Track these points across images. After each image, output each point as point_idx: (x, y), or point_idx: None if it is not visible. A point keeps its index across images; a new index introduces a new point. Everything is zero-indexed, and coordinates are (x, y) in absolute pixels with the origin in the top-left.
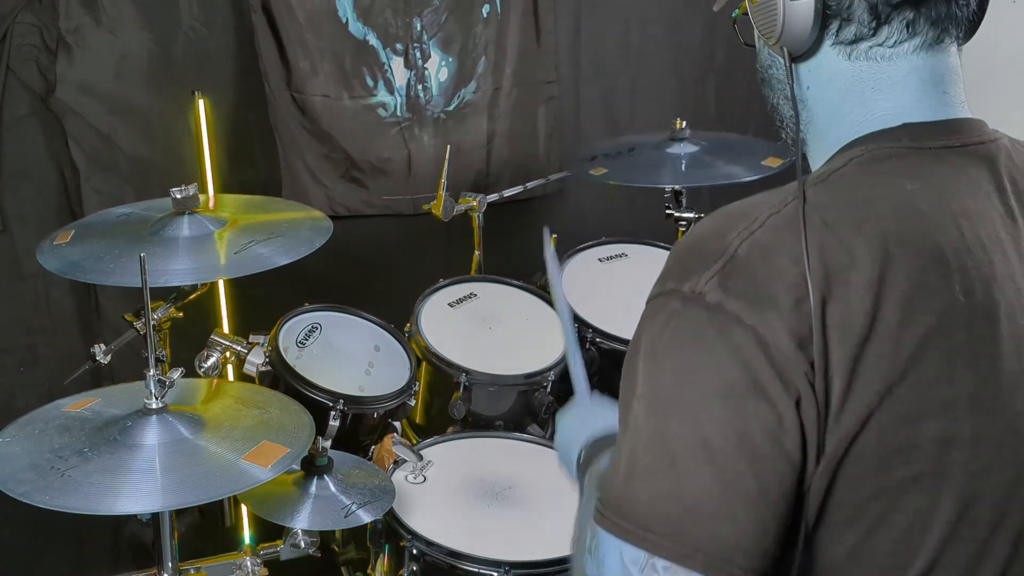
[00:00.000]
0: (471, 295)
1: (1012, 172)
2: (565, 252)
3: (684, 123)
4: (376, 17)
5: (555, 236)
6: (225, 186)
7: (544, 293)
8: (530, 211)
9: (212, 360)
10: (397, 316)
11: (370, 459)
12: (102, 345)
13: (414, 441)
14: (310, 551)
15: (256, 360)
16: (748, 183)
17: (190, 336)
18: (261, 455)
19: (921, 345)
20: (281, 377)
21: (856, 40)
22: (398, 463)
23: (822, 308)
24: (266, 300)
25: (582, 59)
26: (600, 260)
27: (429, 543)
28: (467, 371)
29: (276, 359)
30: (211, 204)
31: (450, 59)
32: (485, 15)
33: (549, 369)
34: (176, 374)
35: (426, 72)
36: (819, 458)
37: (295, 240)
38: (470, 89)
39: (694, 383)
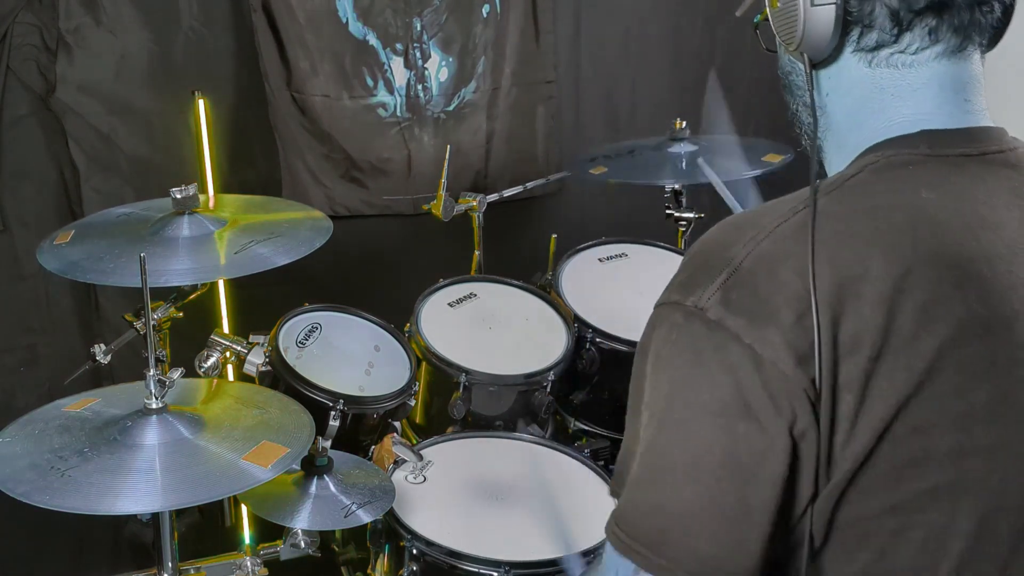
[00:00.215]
0: (471, 295)
1: None
2: (565, 252)
3: (684, 123)
4: (376, 17)
5: (555, 236)
6: (225, 186)
7: (544, 293)
8: (530, 211)
9: (212, 360)
10: (397, 316)
11: (370, 459)
12: (102, 345)
13: (414, 441)
14: (310, 551)
15: (256, 360)
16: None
17: (190, 336)
18: (261, 455)
19: (937, 356)
20: (281, 377)
21: (877, 47)
22: (398, 463)
23: (833, 322)
24: (266, 300)
25: (582, 59)
26: (600, 260)
27: (429, 543)
28: (467, 371)
29: (276, 359)
30: (211, 204)
31: (450, 59)
32: (485, 15)
33: (549, 369)
34: (176, 374)
35: (426, 72)
36: (827, 475)
37: (295, 240)
38: (470, 89)
39: (687, 399)
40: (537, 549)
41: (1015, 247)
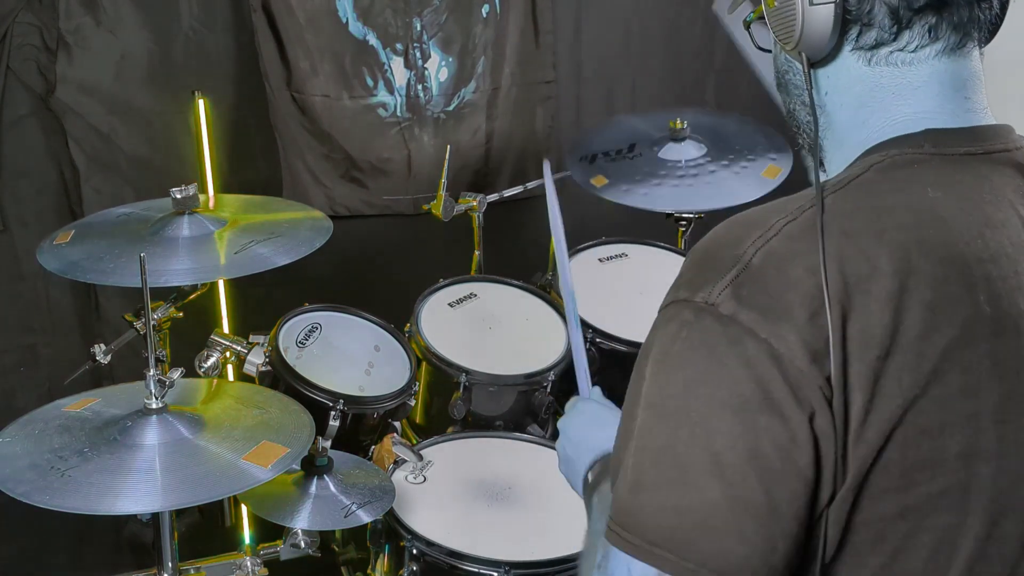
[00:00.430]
0: (471, 295)
1: None
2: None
3: (684, 123)
4: (376, 17)
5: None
6: (225, 186)
7: (544, 293)
8: (530, 211)
9: (212, 360)
10: (397, 316)
11: (370, 459)
12: (102, 345)
13: (414, 441)
14: (310, 551)
15: (256, 360)
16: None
17: (190, 336)
18: (261, 455)
19: (944, 357)
20: (281, 377)
21: (876, 45)
22: (398, 463)
23: (842, 321)
24: (266, 300)
25: (582, 59)
26: (600, 260)
27: (429, 543)
28: (467, 371)
29: (276, 359)
30: (211, 204)
31: (450, 59)
32: (485, 15)
33: (549, 369)
34: (176, 374)
35: (426, 72)
36: (843, 476)
37: (295, 240)
38: (470, 89)
39: (705, 395)
40: (537, 549)
41: (1021, 245)
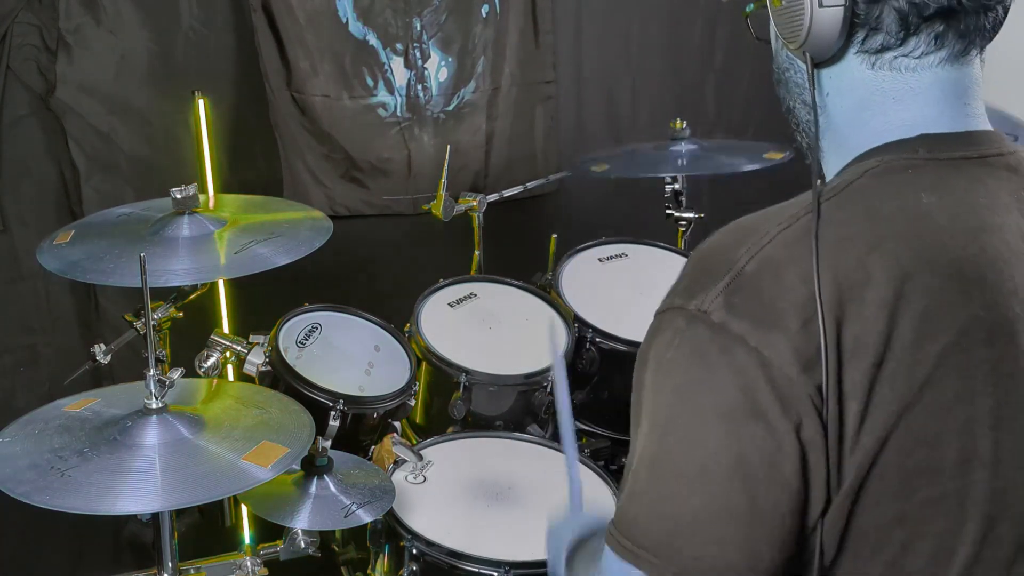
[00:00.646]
0: (471, 295)
1: None
2: (565, 252)
3: (684, 123)
4: (376, 17)
5: (555, 236)
6: (225, 186)
7: (544, 293)
8: (530, 211)
9: (212, 360)
10: (397, 316)
11: (370, 459)
12: (102, 345)
13: (414, 441)
14: (310, 551)
15: (256, 360)
16: (749, 172)
17: (190, 336)
18: (261, 455)
19: (939, 363)
20: (281, 377)
21: (882, 50)
22: (398, 463)
23: (836, 328)
24: (266, 300)
25: (582, 59)
26: (600, 260)
27: (429, 543)
28: (467, 371)
29: (276, 359)
30: (211, 204)
31: (450, 59)
32: (484, 15)
33: (549, 369)
34: (176, 374)
35: (426, 72)
36: (837, 483)
37: (295, 240)
38: (470, 89)
39: (694, 403)
40: (537, 549)
41: (1017, 250)
